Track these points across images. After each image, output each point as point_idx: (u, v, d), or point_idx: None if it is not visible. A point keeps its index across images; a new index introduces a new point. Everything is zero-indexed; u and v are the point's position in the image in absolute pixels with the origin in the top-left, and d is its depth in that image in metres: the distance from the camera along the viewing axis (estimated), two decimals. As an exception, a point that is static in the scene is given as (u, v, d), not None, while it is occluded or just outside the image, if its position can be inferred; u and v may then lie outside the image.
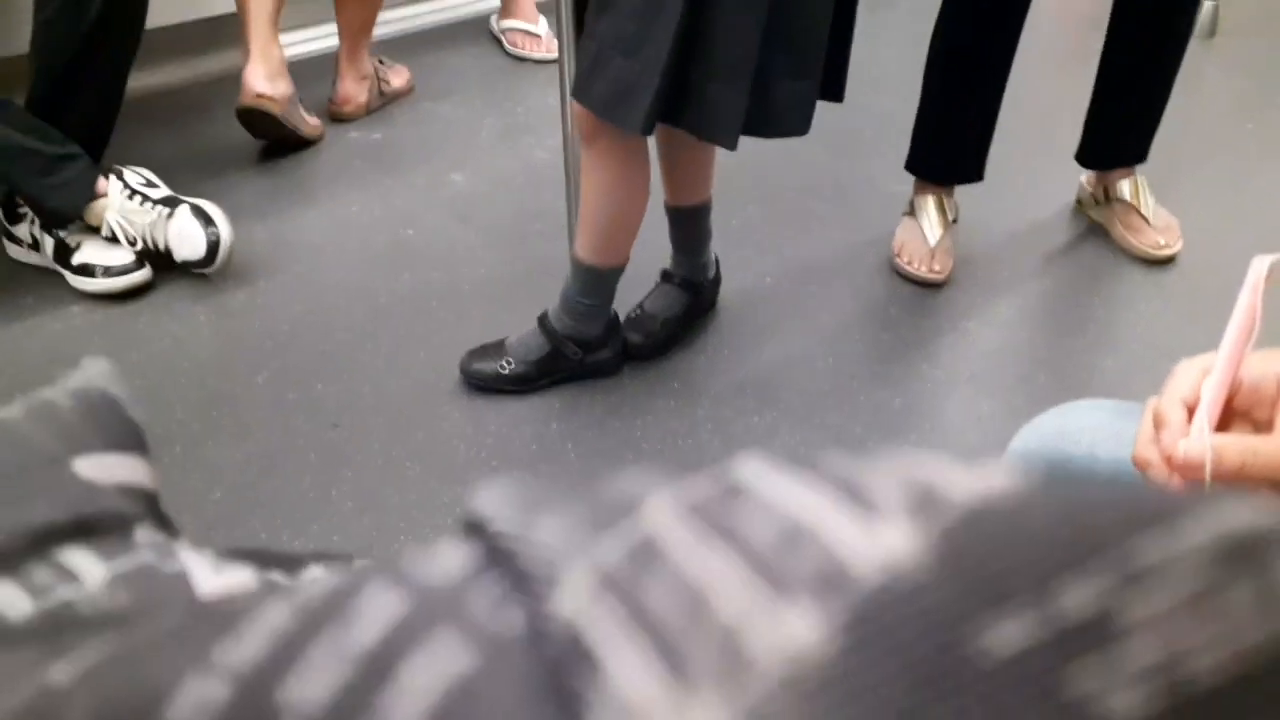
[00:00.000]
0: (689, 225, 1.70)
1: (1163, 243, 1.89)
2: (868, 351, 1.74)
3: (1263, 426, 0.53)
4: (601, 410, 1.60)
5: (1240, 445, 0.50)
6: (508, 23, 2.72)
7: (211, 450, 1.51)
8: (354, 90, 2.37)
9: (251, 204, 2.04)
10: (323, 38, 2.61)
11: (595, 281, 1.58)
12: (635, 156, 1.50)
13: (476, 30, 2.80)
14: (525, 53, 2.67)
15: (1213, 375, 0.53)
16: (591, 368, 1.64)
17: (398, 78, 2.48)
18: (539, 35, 2.67)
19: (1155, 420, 0.54)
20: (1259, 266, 0.55)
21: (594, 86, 1.35)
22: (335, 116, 2.37)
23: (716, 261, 1.79)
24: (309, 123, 2.27)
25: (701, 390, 1.65)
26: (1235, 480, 0.51)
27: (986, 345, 1.75)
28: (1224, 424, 0.53)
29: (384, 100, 2.44)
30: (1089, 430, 0.70)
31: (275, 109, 2.13)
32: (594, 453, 1.52)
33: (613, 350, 1.65)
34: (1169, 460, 0.52)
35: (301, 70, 2.38)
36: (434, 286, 1.85)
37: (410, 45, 2.71)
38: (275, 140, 2.22)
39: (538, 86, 2.53)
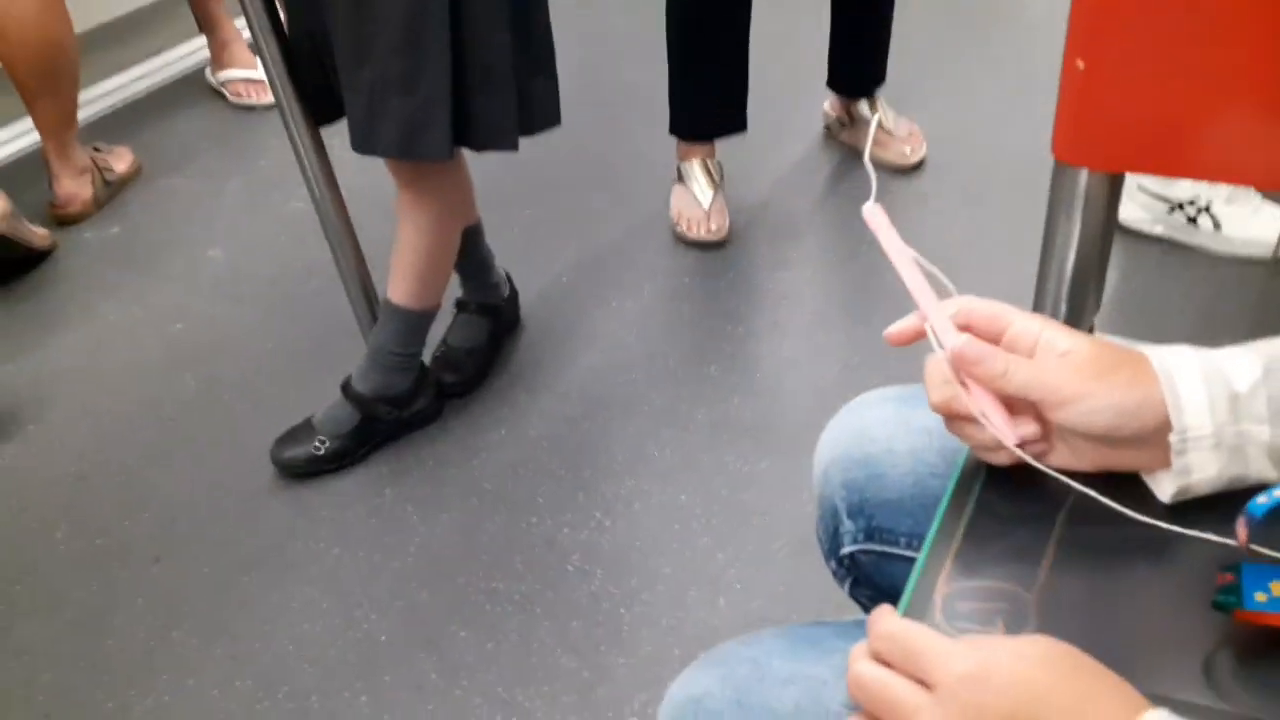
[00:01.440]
0: (468, 250, 1.67)
1: (908, 151, 2.01)
2: (674, 326, 1.77)
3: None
4: (433, 462, 1.56)
5: (1006, 355, 0.54)
6: (225, 74, 2.56)
7: (25, 631, 1.37)
8: (74, 187, 2.17)
9: (-6, 343, 1.85)
10: (23, 135, 2.38)
11: (412, 328, 1.54)
12: (458, 181, 1.51)
13: (194, 88, 2.62)
14: (252, 101, 2.53)
15: (922, 301, 0.57)
16: (410, 422, 1.59)
17: (120, 161, 2.29)
18: (261, 80, 2.52)
19: (927, 380, 0.57)
20: (875, 214, 0.59)
21: (380, 134, 1.32)
22: (62, 220, 2.17)
23: (509, 278, 1.77)
24: (37, 234, 2.07)
25: (527, 410, 1.64)
26: (995, 388, 0.55)
27: (779, 291, 1.82)
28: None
29: (111, 190, 2.25)
30: (881, 425, 0.74)
31: (-6, 231, 1.93)
32: (436, 506, 1.49)
33: (427, 398, 1.60)
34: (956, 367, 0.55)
35: (7, 176, 2.17)
36: (221, 379, 1.74)
37: (125, 121, 2.51)
38: (3, 264, 2.01)
39: (275, 135, 2.38)
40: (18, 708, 1.28)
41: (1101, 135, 0.72)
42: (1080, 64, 0.66)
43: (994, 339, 0.56)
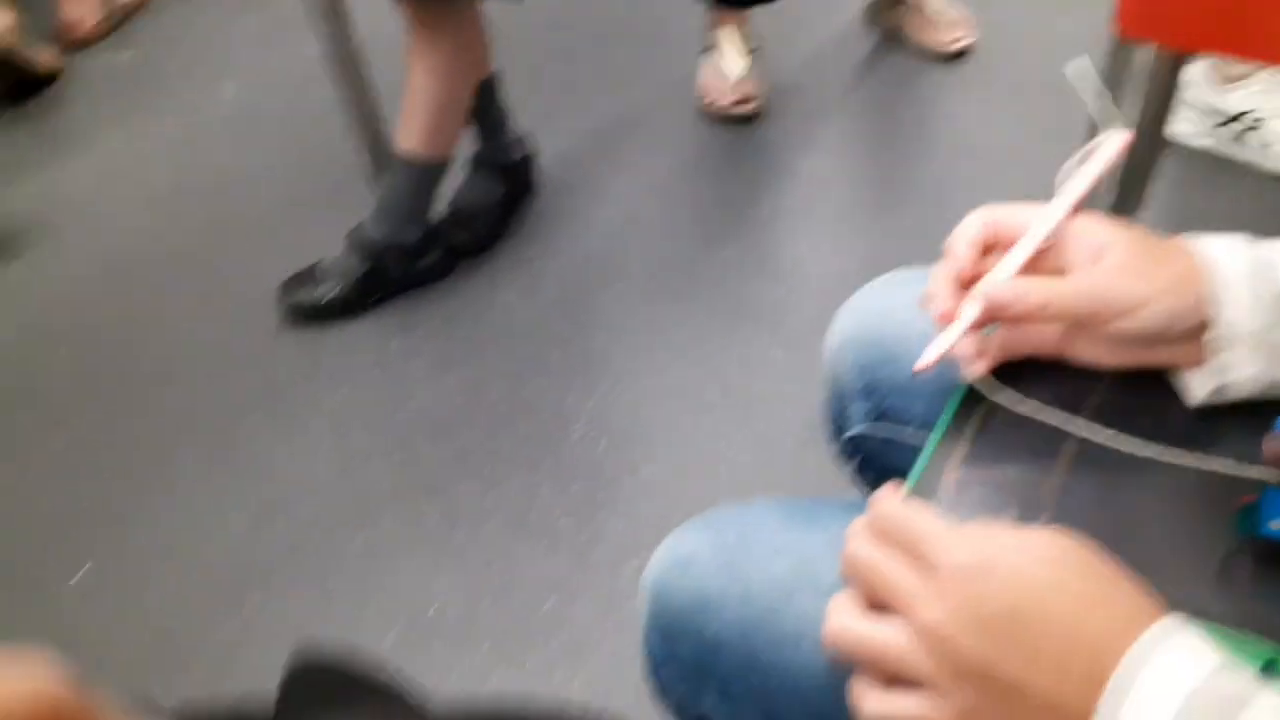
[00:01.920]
0: (483, 103, 1.61)
1: (955, 37, 1.91)
2: (696, 202, 1.72)
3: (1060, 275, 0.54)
4: (441, 320, 1.54)
5: (1042, 284, 0.51)
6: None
7: (26, 441, 1.38)
8: (80, 10, 2.09)
9: (2, 163, 1.80)
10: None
11: (422, 178, 1.50)
12: (473, 26, 1.44)
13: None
14: (271, -67, 2.40)
15: (1033, 228, 0.53)
16: (419, 276, 1.56)
17: (130, -13, 2.20)
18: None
19: (950, 258, 0.54)
20: (1114, 141, 0.54)
21: None
22: (69, 45, 2.10)
23: (525, 139, 1.71)
24: (43, 56, 2.00)
25: (541, 274, 1.61)
26: (1037, 318, 0.52)
27: (807, 175, 1.76)
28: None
29: (121, 16, 2.16)
30: (904, 307, 0.70)
31: (-3, 47, 1.86)
32: (442, 364, 1.47)
33: (438, 253, 1.57)
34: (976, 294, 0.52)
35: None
36: (228, 216, 1.71)
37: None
38: (9, 86, 1.95)
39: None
40: (19, 513, 1.29)
41: (1171, 7, 0.66)
42: None
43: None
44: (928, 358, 0.52)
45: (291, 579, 1.22)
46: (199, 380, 1.45)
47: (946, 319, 0.53)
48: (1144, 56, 0.77)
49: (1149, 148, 0.85)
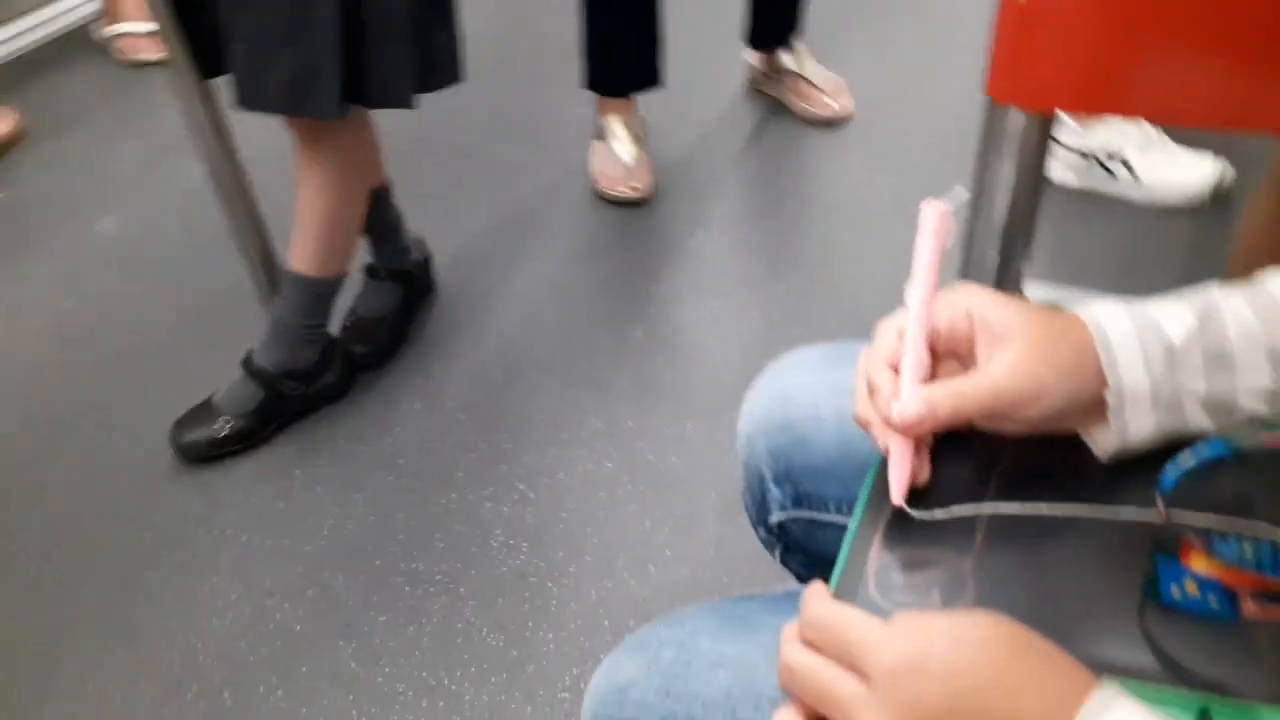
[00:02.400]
0: (375, 212, 1.59)
1: (832, 103, 1.97)
2: (594, 288, 1.72)
3: (966, 359, 0.55)
4: (344, 439, 1.49)
5: (947, 393, 0.52)
6: (115, 27, 2.40)
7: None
8: (-52, 154, 2.02)
9: None
10: (-112, 100, 2.20)
11: (316, 297, 1.46)
12: (361, 138, 1.42)
13: (81, 44, 2.46)
14: (144, 57, 2.37)
15: (909, 332, 0.54)
16: (318, 397, 1.52)
17: (2, 123, 2.14)
18: (153, 33, 2.36)
19: (868, 386, 0.55)
20: (930, 214, 0.54)
21: (263, 88, 1.23)
22: (-64, 190, 2.02)
23: (422, 242, 1.70)
24: None
25: (444, 380, 1.58)
26: (952, 424, 0.52)
27: (702, 250, 1.78)
28: (933, 369, 0.55)
29: (-9, 156, 2.10)
30: (806, 388, 0.71)
31: None
32: (348, 487, 1.42)
33: (336, 371, 1.53)
34: (887, 421, 0.52)
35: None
36: (114, 358, 1.64)
37: (6, 79, 2.34)
38: None
39: (170, 95, 2.25)
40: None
41: (1037, 73, 0.69)
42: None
43: (954, 345, 0.54)
44: (895, 497, 0.53)
45: (206, 742, 1.15)
46: (94, 543, 1.38)
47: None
48: (1017, 117, 0.80)
49: (1028, 202, 0.87)
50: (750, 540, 0.82)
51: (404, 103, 1.28)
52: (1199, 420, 0.51)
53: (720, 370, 1.55)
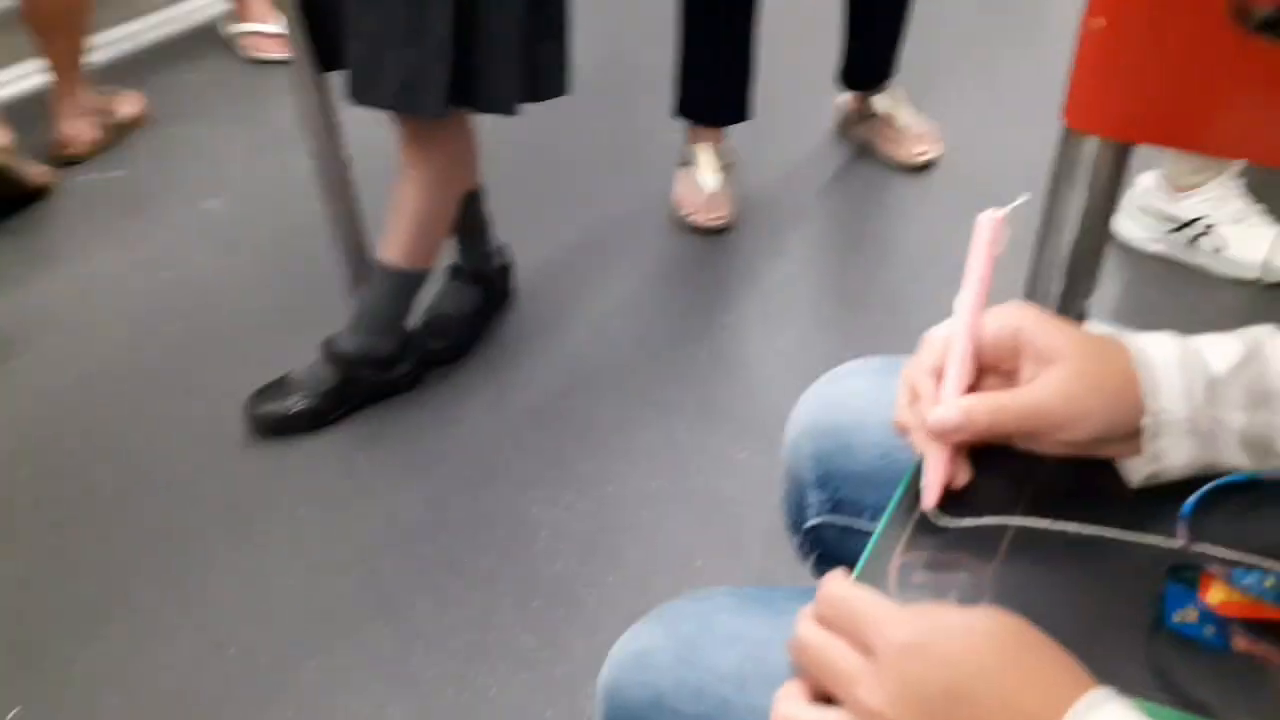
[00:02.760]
0: (466, 215, 1.64)
1: (922, 150, 1.96)
2: (667, 310, 1.74)
3: (1010, 375, 0.55)
4: (410, 429, 1.54)
5: (987, 405, 0.52)
6: (241, 26, 2.54)
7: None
8: (78, 128, 2.16)
9: (-19, 278, 1.84)
10: (32, 75, 2.36)
11: (402, 288, 1.52)
12: (463, 141, 1.47)
13: (208, 39, 2.60)
14: (266, 55, 2.50)
15: (954, 342, 0.54)
16: (390, 386, 1.57)
17: (127, 105, 2.28)
18: (278, 34, 2.49)
19: (910, 392, 0.55)
20: (985, 224, 0.55)
21: (377, 84, 1.30)
22: (62, 160, 2.16)
23: (505, 248, 1.74)
24: (34, 171, 2.05)
25: (511, 383, 1.61)
26: (989, 436, 0.52)
27: (777, 282, 1.78)
28: (976, 382, 0.55)
29: (116, 133, 2.23)
30: (857, 395, 0.71)
31: (-10, 164, 1.92)
32: (407, 476, 1.47)
33: (410, 363, 1.58)
34: (925, 427, 0.53)
35: (13, 114, 2.15)
36: (205, 330, 1.72)
37: (136, 67, 2.49)
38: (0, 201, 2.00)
39: (286, 92, 2.36)
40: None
41: (1115, 102, 0.69)
42: (1100, 22, 0.63)
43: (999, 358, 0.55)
44: (928, 501, 0.54)
45: (240, 710, 1.18)
46: (160, 499, 1.44)
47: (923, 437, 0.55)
48: (1092, 149, 0.80)
49: (1097, 236, 0.86)
50: (793, 572, 0.82)
51: (508, 109, 1.33)
52: (1235, 456, 0.51)
53: (781, 401, 1.53)
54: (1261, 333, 0.51)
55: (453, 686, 1.20)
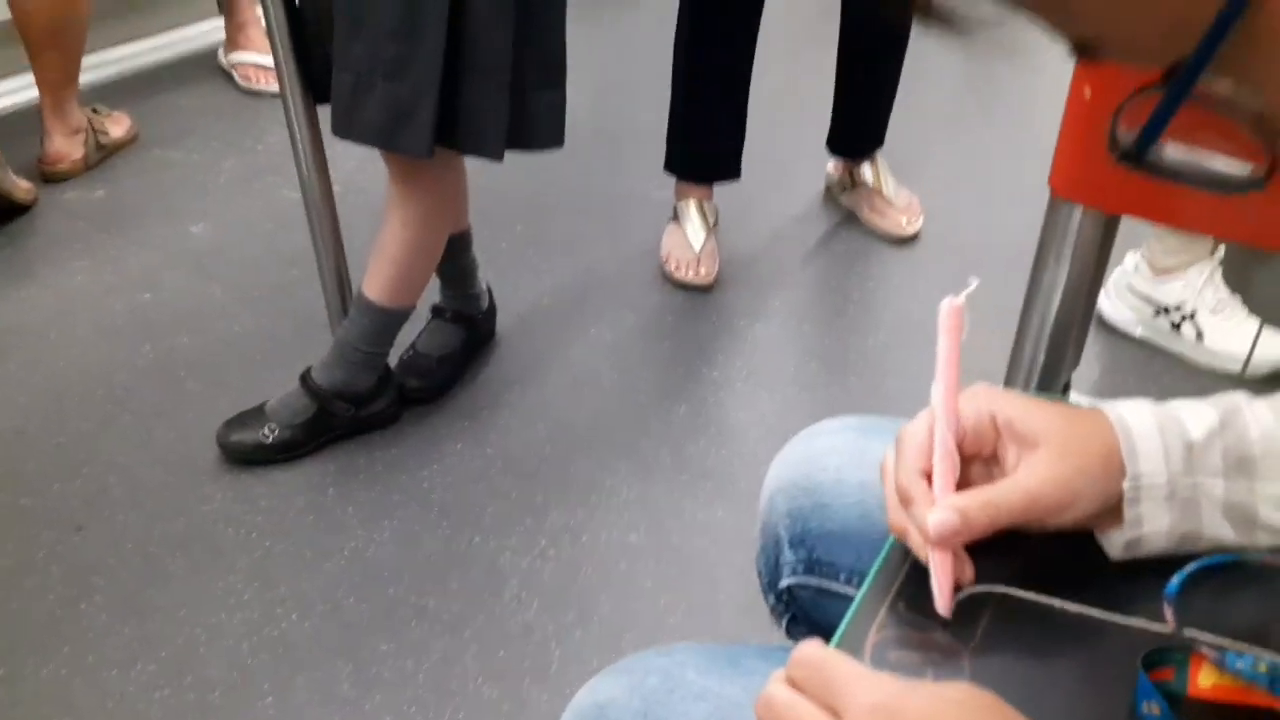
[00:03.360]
0: (453, 256, 1.64)
1: (905, 222, 2.00)
2: (649, 363, 1.74)
3: (991, 461, 0.55)
4: (382, 466, 1.52)
5: (981, 502, 0.52)
6: (237, 56, 2.55)
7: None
8: (66, 146, 2.14)
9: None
10: (23, 89, 2.35)
11: (382, 326, 1.50)
12: (452, 182, 1.47)
13: (204, 67, 2.60)
14: (260, 87, 2.51)
15: (937, 437, 0.54)
16: (366, 422, 1.55)
17: (117, 126, 2.27)
18: (271, 66, 2.50)
19: (900, 495, 0.55)
20: (946, 312, 0.55)
21: (363, 119, 1.29)
22: (48, 177, 2.14)
23: (489, 291, 1.74)
24: (20, 186, 2.03)
25: (488, 427, 1.60)
26: (986, 534, 0.52)
27: (759, 341, 1.79)
28: (962, 474, 0.54)
29: (104, 153, 2.22)
30: (834, 453, 0.71)
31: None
32: (378, 512, 1.44)
33: (387, 400, 1.56)
34: (924, 531, 0.52)
35: (1, 128, 2.14)
36: (181, 354, 1.70)
37: (129, 88, 2.49)
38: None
39: (277, 122, 2.35)
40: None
41: (1099, 171, 0.70)
42: (1087, 92, 0.65)
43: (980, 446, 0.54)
44: (941, 608, 0.52)
45: (191, 739, 1.14)
46: (124, 520, 1.41)
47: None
48: (1078, 219, 0.81)
49: (1081, 307, 0.87)
50: (764, 639, 0.81)
51: (492, 154, 1.32)
52: (1217, 527, 0.51)
53: (760, 462, 1.53)
54: (1237, 399, 0.52)
55: (411, 734, 1.16)
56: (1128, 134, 0.33)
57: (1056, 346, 0.87)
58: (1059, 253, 0.76)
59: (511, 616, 1.30)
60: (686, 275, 1.88)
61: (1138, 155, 0.32)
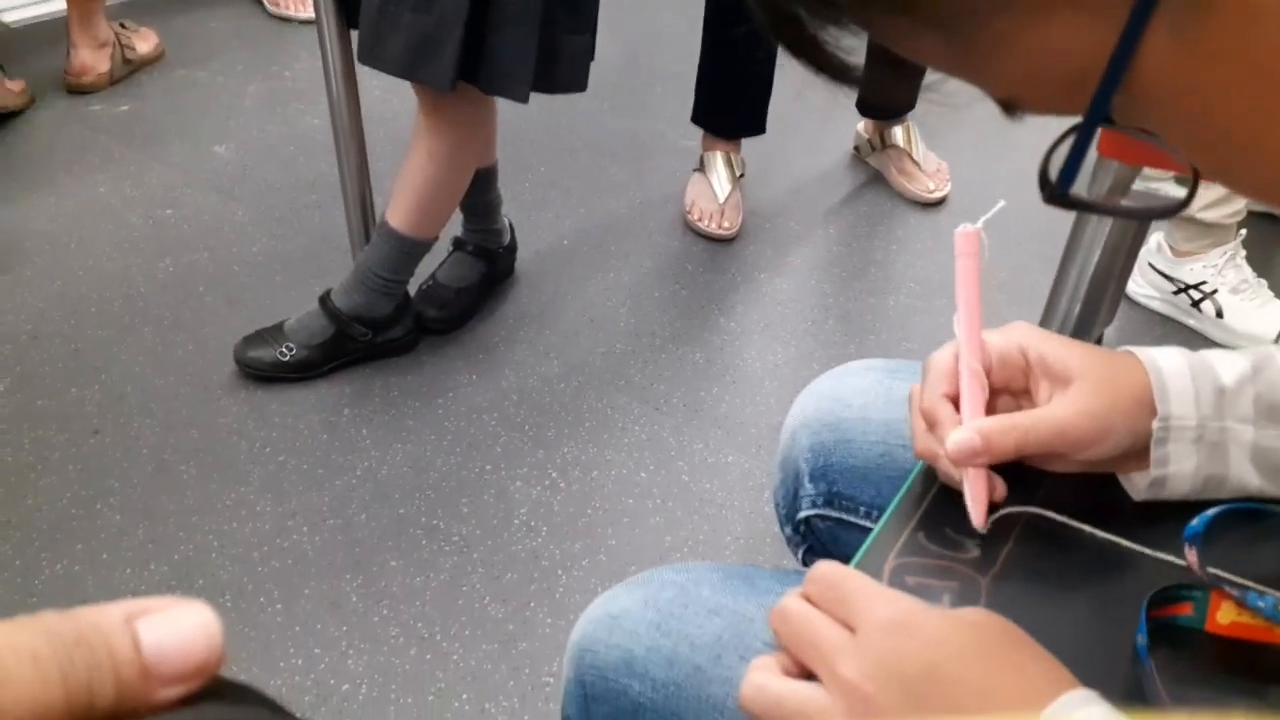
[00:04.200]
0: (478, 189, 1.64)
1: (932, 187, 1.99)
2: (666, 308, 1.74)
3: (1021, 395, 0.55)
4: (397, 392, 1.52)
5: (1006, 426, 0.51)
6: (268, -19, 2.53)
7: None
8: (92, 59, 2.13)
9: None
10: (49, 1, 2.33)
11: (403, 254, 1.50)
12: (481, 124, 1.45)
13: (234, -11, 2.58)
14: (289, 13, 2.49)
15: (964, 364, 0.54)
16: (382, 348, 1.55)
17: (144, 43, 2.25)
18: (303, -7, 2.48)
19: (926, 418, 0.55)
20: (963, 238, 0.55)
21: (387, 47, 1.28)
22: (73, 89, 2.13)
23: (511, 228, 1.74)
24: (10, 91, 2.01)
25: (504, 360, 1.60)
26: (1012, 459, 0.52)
27: (778, 295, 1.79)
28: (990, 406, 0.54)
29: (130, 68, 2.21)
30: (861, 392, 0.71)
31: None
32: (391, 435, 1.45)
33: (404, 328, 1.56)
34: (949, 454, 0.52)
35: (27, 39, 2.12)
36: (200, 270, 1.70)
37: (157, 6, 2.47)
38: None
39: (305, 49, 2.36)
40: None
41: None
42: None
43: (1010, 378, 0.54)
44: (977, 521, 0.53)
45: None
46: (140, 427, 1.42)
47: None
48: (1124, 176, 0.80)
49: (1119, 263, 0.87)
50: None
51: (517, 95, 1.30)
52: (1243, 473, 0.51)
53: (771, 412, 1.55)
54: (1270, 350, 0.52)
55: (416, 646, 1.18)
56: (1055, 174, 0.35)
57: (1092, 301, 0.87)
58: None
59: (519, 542, 1.32)
60: (710, 226, 1.87)
61: (1062, 195, 0.34)
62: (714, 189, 1.89)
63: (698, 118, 1.93)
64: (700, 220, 1.88)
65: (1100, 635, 0.47)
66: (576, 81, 1.37)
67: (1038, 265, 1.72)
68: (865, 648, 0.40)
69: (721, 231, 1.87)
